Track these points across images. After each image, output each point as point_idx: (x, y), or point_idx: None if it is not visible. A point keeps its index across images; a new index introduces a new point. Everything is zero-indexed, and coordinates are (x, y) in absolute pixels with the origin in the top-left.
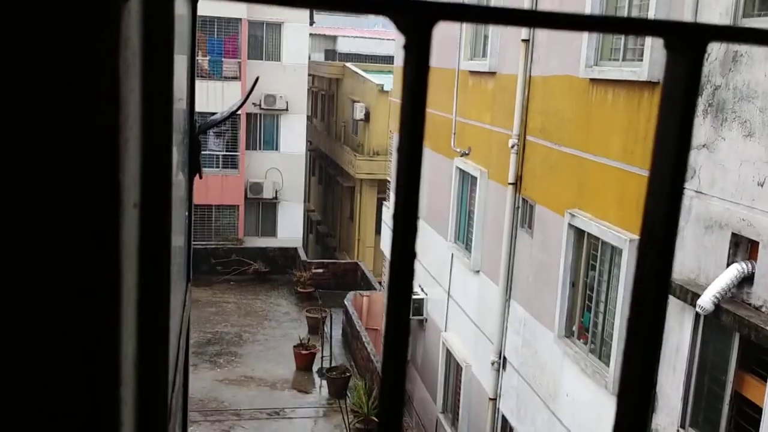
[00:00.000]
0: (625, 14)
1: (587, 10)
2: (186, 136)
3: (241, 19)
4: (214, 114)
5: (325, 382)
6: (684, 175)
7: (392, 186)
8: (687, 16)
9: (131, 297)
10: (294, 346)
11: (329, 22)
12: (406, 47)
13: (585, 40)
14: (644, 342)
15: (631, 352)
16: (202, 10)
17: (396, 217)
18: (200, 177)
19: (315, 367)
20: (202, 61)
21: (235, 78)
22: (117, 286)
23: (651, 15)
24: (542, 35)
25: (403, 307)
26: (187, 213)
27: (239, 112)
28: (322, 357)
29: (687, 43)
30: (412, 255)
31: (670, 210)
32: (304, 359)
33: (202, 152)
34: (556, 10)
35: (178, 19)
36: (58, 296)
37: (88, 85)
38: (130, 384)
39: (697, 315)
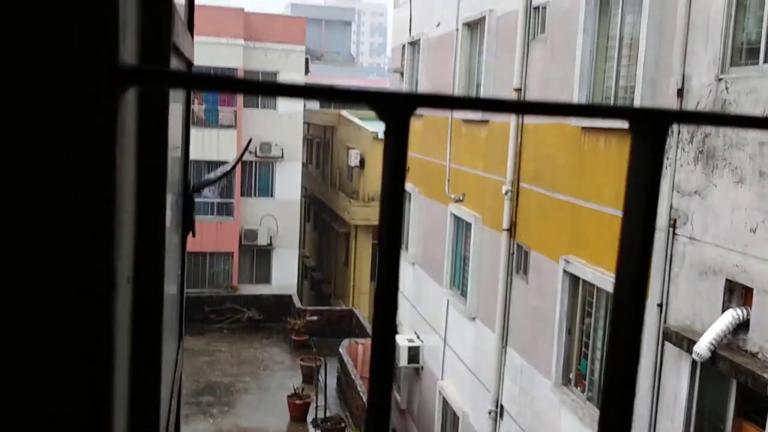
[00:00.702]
0: (614, 68)
1: (576, 74)
2: (180, 197)
3: (237, 68)
4: (210, 162)
5: None
6: (650, 250)
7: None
8: (676, 67)
9: (121, 371)
10: (288, 396)
11: (325, 71)
12: (386, 133)
13: (576, 89)
14: (622, 380)
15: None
16: (198, 59)
17: (377, 297)
18: (194, 236)
19: (309, 418)
20: (198, 109)
21: (230, 126)
22: (109, 358)
23: (640, 67)
24: (534, 84)
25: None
26: (179, 272)
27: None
28: (316, 407)
29: (650, 126)
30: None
31: (636, 288)
32: (299, 409)
33: (197, 199)
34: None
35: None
36: (54, 369)
37: (84, 174)
38: None
39: (694, 362)
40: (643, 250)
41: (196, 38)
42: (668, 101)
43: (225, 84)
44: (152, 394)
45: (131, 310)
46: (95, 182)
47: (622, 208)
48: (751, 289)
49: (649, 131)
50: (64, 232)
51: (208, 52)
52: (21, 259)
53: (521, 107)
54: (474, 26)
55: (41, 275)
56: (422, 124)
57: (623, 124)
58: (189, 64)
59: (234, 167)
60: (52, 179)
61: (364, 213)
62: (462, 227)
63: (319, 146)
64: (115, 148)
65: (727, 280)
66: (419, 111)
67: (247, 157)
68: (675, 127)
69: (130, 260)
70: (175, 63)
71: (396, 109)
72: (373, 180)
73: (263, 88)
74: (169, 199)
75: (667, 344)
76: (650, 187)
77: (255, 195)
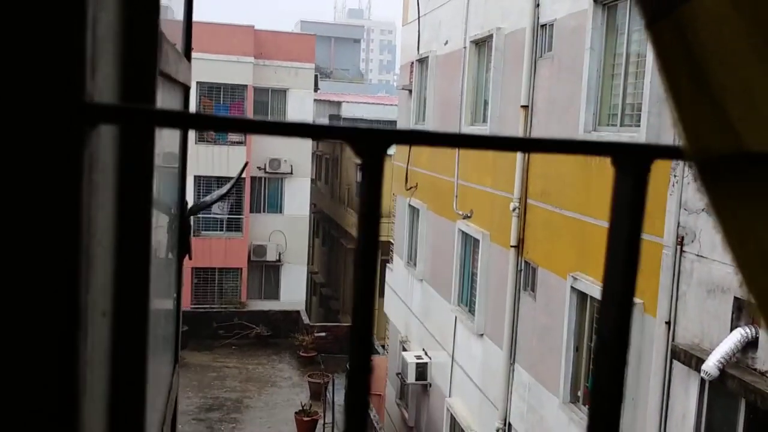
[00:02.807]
0: (621, 85)
1: (583, 92)
2: (176, 219)
3: (246, 85)
4: (219, 178)
5: None
6: (634, 281)
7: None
8: None
9: (98, 406)
10: (296, 413)
11: (334, 88)
12: (361, 168)
13: (583, 105)
14: (609, 389)
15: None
16: (208, 76)
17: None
18: (190, 258)
19: None
20: None
21: (240, 143)
22: (76, 397)
23: (647, 84)
24: (541, 100)
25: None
26: (175, 295)
27: (243, 176)
28: (324, 424)
29: (632, 161)
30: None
31: (622, 316)
32: (306, 426)
33: (207, 215)
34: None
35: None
36: (14, 409)
37: (47, 209)
38: None
39: (703, 381)
40: (626, 281)
41: (207, 56)
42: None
43: (195, 121)
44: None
45: (112, 344)
46: (58, 218)
47: (606, 239)
48: None
49: (631, 167)
50: (24, 269)
51: (219, 69)
52: None
53: (498, 143)
54: (482, 44)
55: None
56: None
57: (633, 138)
58: (185, 88)
59: (230, 190)
60: (13, 214)
61: None
62: (470, 244)
63: (328, 162)
64: (80, 184)
65: (735, 298)
66: (428, 127)
67: (256, 172)
68: None
69: (107, 294)
70: (165, 90)
71: (371, 145)
72: (382, 196)
73: (235, 125)
74: (164, 222)
75: (676, 362)
76: (632, 222)
77: (264, 211)
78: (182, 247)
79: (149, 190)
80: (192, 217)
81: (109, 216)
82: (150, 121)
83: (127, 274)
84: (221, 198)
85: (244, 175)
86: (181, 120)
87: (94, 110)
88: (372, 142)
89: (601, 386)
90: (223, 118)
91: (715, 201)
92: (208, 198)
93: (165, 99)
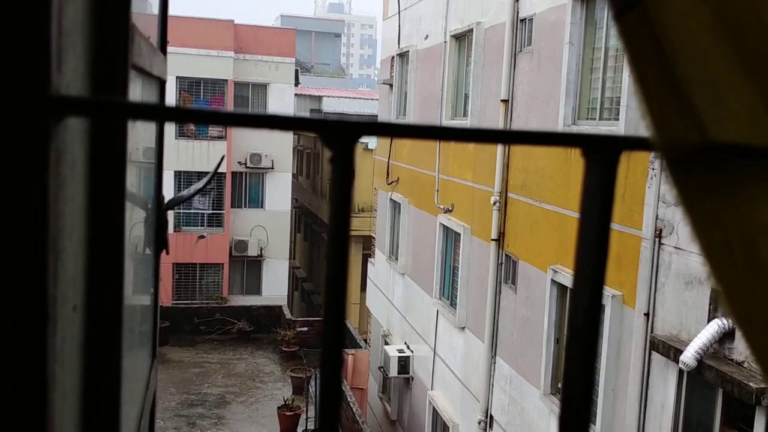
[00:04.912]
0: (600, 79)
1: (562, 85)
2: (153, 213)
3: (227, 80)
4: (200, 173)
5: None
6: (604, 270)
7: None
8: None
9: (71, 401)
10: (278, 408)
11: (315, 82)
12: (330, 160)
13: (563, 99)
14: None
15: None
16: (189, 71)
17: (323, 326)
18: (167, 253)
19: (300, 429)
20: None
21: (220, 138)
22: (44, 391)
23: (625, 78)
24: (521, 94)
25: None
26: (153, 290)
27: (224, 171)
28: (306, 418)
29: (602, 152)
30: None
31: (592, 305)
32: (289, 421)
33: (188, 210)
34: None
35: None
36: None
37: (11, 203)
38: None
39: (681, 371)
40: (595, 272)
41: (186, 50)
42: None
43: (164, 113)
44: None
45: (84, 339)
46: (23, 212)
47: (576, 231)
48: None
49: (601, 158)
50: None
51: (199, 64)
52: None
53: (472, 134)
54: (462, 38)
55: None
56: None
57: (612, 131)
58: (161, 82)
59: (207, 184)
60: None
61: (354, 224)
62: (451, 237)
63: (310, 157)
64: (47, 177)
65: (712, 289)
66: (409, 121)
67: (237, 167)
68: None
69: (79, 287)
70: (139, 84)
71: (341, 137)
72: (362, 191)
73: (205, 117)
74: (140, 217)
75: (654, 354)
76: (602, 212)
77: (245, 206)
78: (159, 241)
79: (122, 184)
80: (172, 212)
81: (80, 210)
82: (116, 113)
83: (100, 268)
84: (198, 192)
85: (224, 170)
86: (147, 112)
87: (59, 103)
88: (342, 133)
89: (572, 373)
90: (192, 110)
91: (682, 191)
92: (185, 192)
93: (139, 93)
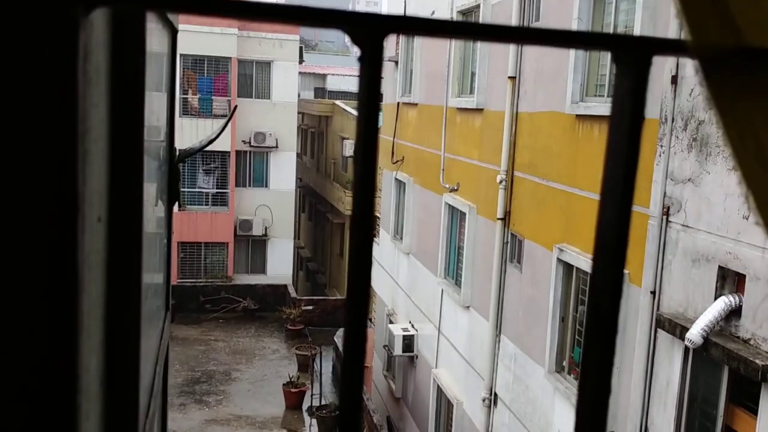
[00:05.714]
0: (608, 55)
1: (570, 62)
2: (165, 164)
3: (231, 58)
4: (205, 151)
5: (315, 421)
6: (633, 186)
7: (353, 198)
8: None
9: (95, 310)
10: (283, 384)
11: (319, 60)
12: (360, 59)
13: (570, 77)
14: (601, 352)
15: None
16: (192, 49)
17: (353, 222)
18: (179, 207)
19: (305, 406)
20: (193, 99)
21: (224, 116)
22: (75, 297)
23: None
24: (529, 72)
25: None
26: (166, 241)
27: (228, 150)
28: (312, 395)
29: (634, 55)
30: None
31: (620, 221)
32: (294, 398)
33: (193, 189)
34: (546, 25)
35: (155, 55)
36: (12, 306)
37: (42, 99)
38: (94, 398)
39: (687, 349)
40: (626, 182)
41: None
42: (662, 88)
43: (193, 3)
44: (131, 342)
45: (106, 253)
46: (55, 107)
47: (606, 147)
48: (744, 276)
49: (631, 61)
50: (22, 157)
51: (203, 41)
52: None
53: (497, 31)
54: (468, 14)
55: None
56: (417, 113)
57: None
58: (173, 32)
59: (218, 136)
60: (7, 108)
61: None
62: (456, 217)
63: (314, 136)
64: (77, 71)
65: (719, 267)
66: (414, 100)
67: (241, 146)
68: (669, 115)
69: (103, 199)
70: (154, 34)
71: (371, 31)
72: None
73: (223, 6)
74: (154, 165)
75: (660, 331)
76: (633, 123)
77: (249, 185)
78: (171, 193)
79: (142, 85)
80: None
81: (103, 119)
82: (152, 3)
83: (122, 180)
84: (210, 143)
85: (229, 149)
86: (185, 2)
87: None
88: (372, 28)
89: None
90: (224, 2)
91: (715, 95)
92: (196, 144)
93: (154, 42)
